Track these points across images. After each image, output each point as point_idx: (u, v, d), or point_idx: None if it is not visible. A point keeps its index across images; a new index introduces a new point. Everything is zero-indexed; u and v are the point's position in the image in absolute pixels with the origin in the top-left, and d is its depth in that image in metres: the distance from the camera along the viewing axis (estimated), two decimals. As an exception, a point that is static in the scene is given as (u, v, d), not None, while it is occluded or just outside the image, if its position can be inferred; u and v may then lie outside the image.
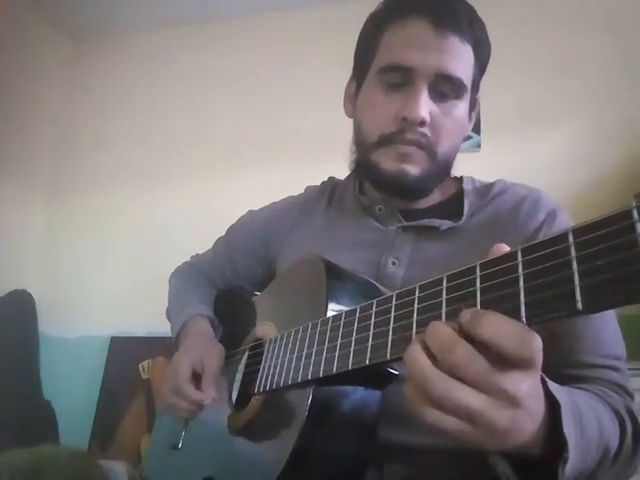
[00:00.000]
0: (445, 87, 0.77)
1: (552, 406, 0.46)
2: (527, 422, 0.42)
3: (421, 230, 0.82)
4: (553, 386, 0.48)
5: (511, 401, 0.40)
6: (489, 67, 0.85)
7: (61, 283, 2.70)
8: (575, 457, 0.47)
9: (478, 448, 0.43)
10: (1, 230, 2.60)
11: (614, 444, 0.59)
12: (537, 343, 0.40)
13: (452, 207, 0.84)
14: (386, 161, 0.80)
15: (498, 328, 0.39)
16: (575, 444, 0.47)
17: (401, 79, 0.78)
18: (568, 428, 0.46)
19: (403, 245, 0.81)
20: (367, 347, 0.49)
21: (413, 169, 0.79)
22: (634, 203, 0.31)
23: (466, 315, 0.40)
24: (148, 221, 2.65)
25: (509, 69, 2.23)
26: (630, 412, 0.65)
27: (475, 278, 0.41)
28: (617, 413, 0.62)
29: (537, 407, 0.43)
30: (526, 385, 0.41)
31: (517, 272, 0.38)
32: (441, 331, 0.41)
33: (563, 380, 0.67)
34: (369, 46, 0.84)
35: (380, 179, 0.82)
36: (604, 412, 0.60)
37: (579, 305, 0.33)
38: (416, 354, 0.43)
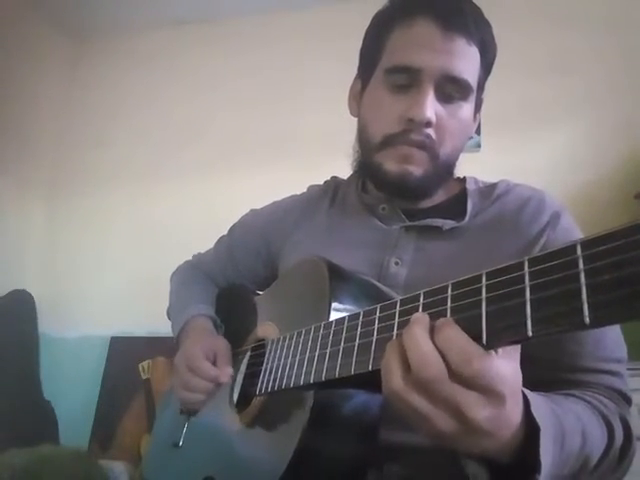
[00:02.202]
0: (451, 88, 0.77)
1: (531, 425, 0.47)
2: (488, 443, 0.44)
3: (424, 230, 0.82)
4: (537, 404, 0.48)
5: (460, 417, 0.42)
6: (490, 66, 0.85)
7: (61, 283, 2.70)
8: (549, 473, 0.48)
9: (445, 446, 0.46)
10: (1, 230, 2.60)
11: (597, 454, 0.59)
12: (486, 367, 0.41)
13: (455, 207, 0.84)
14: (389, 162, 0.80)
15: (451, 340, 0.41)
16: (551, 463, 0.49)
17: (407, 80, 0.77)
18: (545, 451, 0.47)
19: (406, 245, 0.81)
20: (370, 353, 0.49)
21: (415, 170, 0.79)
22: None
23: (439, 322, 0.43)
24: (148, 221, 2.65)
25: (509, 69, 2.22)
26: (623, 420, 0.65)
27: (481, 287, 0.41)
28: (608, 423, 0.62)
29: (503, 433, 0.45)
30: (486, 413, 0.42)
31: (524, 283, 0.38)
32: (412, 331, 0.43)
33: (562, 384, 0.67)
34: (375, 46, 0.83)
35: (383, 180, 0.82)
36: (593, 422, 0.60)
37: (586, 320, 0.33)
38: (390, 349, 0.45)
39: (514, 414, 0.45)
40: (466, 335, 0.41)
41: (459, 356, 0.41)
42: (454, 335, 0.41)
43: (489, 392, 0.42)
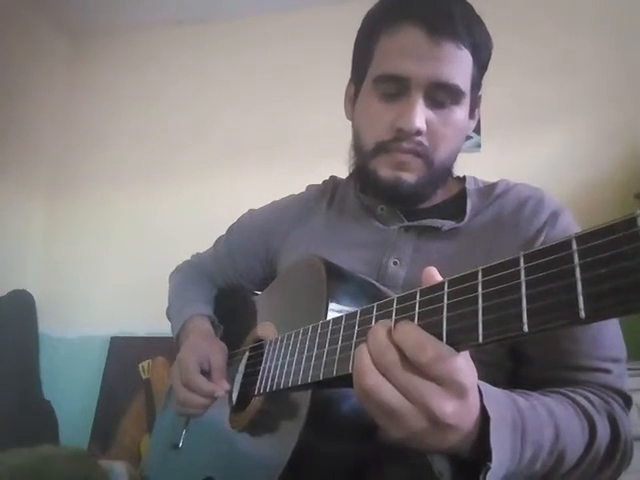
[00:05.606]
0: (441, 95, 0.76)
1: (485, 415, 0.48)
2: (453, 437, 0.46)
3: (423, 230, 0.81)
4: (490, 395, 0.49)
5: (428, 413, 0.43)
6: (489, 66, 0.83)
7: (61, 283, 2.70)
8: (508, 462, 0.50)
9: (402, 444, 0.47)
10: (1, 230, 2.60)
11: (575, 450, 0.59)
12: (442, 356, 0.42)
13: (454, 207, 0.83)
14: (383, 169, 0.80)
15: (406, 333, 0.44)
16: (510, 453, 0.50)
17: (396, 89, 0.76)
18: (500, 440, 0.48)
19: (405, 245, 0.81)
20: (368, 351, 0.49)
21: (409, 177, 0.79)
22: (639, 211, 0.31)
23: (398, 322, 0.46)
24: (148, 221, 2.65)
25: (509, 69, 2.23)
26: (611, 418, 0.64)
27: (477, 284, 0.40)
28: (589, 419, 0.62)
29: (466, 425, 0.46)
30: (451, 406, 0.44)
31: (520, 279, 0.37)
32: (378, 333, 0.46)
33: (558, 383, 0.67)
34: (364, 52, 0.82)
35: (378, 186, 0.82)
36: (571, 418, 0.60)
37: (582, 314, 0.33)
38: (361, 351, 0.46)
39: (475, 406, 0.47)
40: (422, 329, 0.43)
41: (413, 345, 0.43)
42: (409, 329, 0.44)
43: (451, 384, 0.43)
